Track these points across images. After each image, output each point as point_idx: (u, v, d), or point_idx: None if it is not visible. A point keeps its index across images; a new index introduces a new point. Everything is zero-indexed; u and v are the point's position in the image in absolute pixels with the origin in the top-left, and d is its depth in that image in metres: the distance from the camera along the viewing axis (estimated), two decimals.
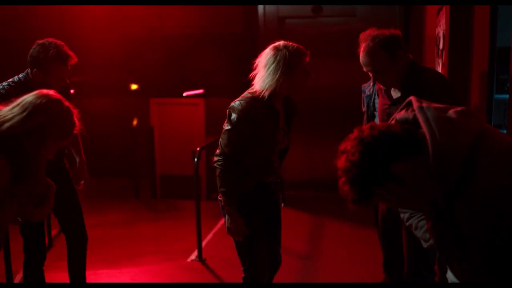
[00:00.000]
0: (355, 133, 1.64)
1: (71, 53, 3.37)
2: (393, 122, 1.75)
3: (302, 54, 2.93)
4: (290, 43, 2.95)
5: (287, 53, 2.88)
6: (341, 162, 1.64)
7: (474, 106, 3.52)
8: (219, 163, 2.98)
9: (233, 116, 2.93)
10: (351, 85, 7.10)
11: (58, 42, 3.37)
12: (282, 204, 3.40)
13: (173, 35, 8.30)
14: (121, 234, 6.02)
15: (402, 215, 2.00)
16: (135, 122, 8.62)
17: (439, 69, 4.10)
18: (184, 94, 8.32)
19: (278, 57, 2.88)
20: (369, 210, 4.33)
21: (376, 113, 3.92)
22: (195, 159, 4.99)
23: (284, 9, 7.34)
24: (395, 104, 3.03)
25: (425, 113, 1.62)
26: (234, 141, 2.95)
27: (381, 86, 3.15)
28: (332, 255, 5.02)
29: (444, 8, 3.93)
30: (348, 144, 1.63)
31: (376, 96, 3.92)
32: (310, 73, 3.00)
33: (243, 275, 3.16)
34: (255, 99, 2.94)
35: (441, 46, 4.08)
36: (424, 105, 1.67)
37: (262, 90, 2.92)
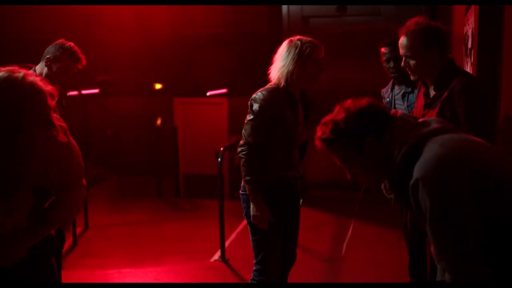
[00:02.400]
0: (371, 99, 1.89)
1: (82, 56, 3.61)
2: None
3: (314, 46, 3.06)
4: (305, 37, 3.09)
5: (299, 43, 3.03)
6: (343, 105, 1.88)
7: (505, 113, 3.42)
8: (243, 152, 3.05)
9: (255, 106, 3.03)
10: (377, 85, 7.00)
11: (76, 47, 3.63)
12: (301, 201, 3.40)
13: (196, 35, 8.31)
14: (145, 233, 6.05)
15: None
16: (159, 122, 8.64)
17: (468, 69, 4.02)
18: (208, 94, 8.32)
19: (290, 47, 3.04)
20: (396, 211, 4.26)
21: None
22: (219, 159, 4.98)
23: (308, 8, 7.28)
24: (429, 105, 2.94)
25: (396, 113, 1.87)
26: (257, 131, 3.03)
27: (421, 86, 3.06)
28: (356, 257, 4.96)
29: (472, 6, 3.85)
30: (360, 101, 1.87)
31: (401, 101, 3.86)
32: (324, 68, 3.11)
33: (254, 268, 3.18)
34: (275, 89, 3.06)
35: (469, 45, 4.00)
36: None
37: (279, 80, 3.06)
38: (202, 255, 5.15)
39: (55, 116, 1.94)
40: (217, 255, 5.00)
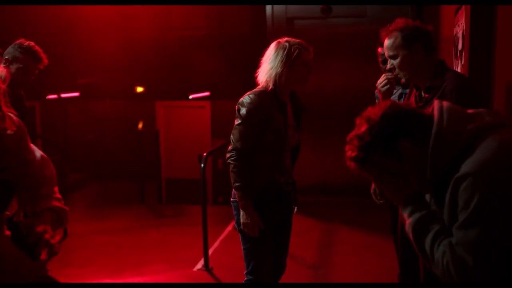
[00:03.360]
0: (390, 101, 1.74)
1: (43, 55, 3.45)
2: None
3: (302, 48, 2.97)
4: (293, 38, 3.01)
5: (287, 45, 2.95)
6: (361, 119, 1.70)
7: (497, 110, 3.33)
8: (232, 158, 2.97)
9: (243, 110, 2.96)
10: (363, 87, 6.91)
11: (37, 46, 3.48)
12: (295, 208, 3.28)
13: (179, 36, 8.16)
14: (126, 241, 5.86)
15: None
16: (140, 125, 8.48)
17: (458, 70, 3.92)
18: (190, 97, 8.19)
19: (278, 49, 2.96)
20: (386, 217, 4.14)
21: None
22: (202, 165, 4.82)
23: (293, 9, 7.16)
24: (421, 108, 2.84)
25: (441, 103, 1.68)
26: (245, 135, 2.95)
27: (414, 90, 2.95)
28: (343, 264, 4.83)
29: (463, 6, 3.75)
30: (378, 107, 1.69)
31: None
32: (312, 70, 3.02)
33: (245, 278, 3.09)
34: (262, 92, 2.98)
35: (460, 47, 3.89)
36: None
37: (267, 83, 2.98)
38: (184, 263, 4.98)
39: (4, 102, 1.85)
40: (200, 264, 4.83)
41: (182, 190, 7.98)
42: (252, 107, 2.93)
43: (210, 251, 5.01)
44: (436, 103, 1.69)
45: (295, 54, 2.93)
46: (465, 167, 1.52)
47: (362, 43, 6.97)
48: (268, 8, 7.21)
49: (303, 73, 2.99)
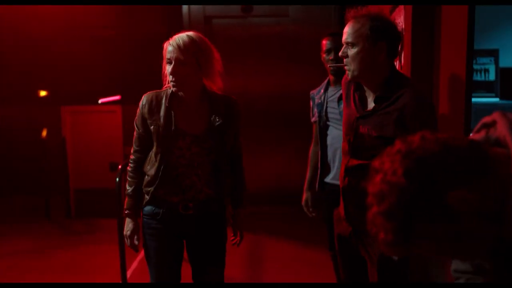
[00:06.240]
0: (398, 145, 1.15)
1: None
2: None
3: (169, 42, 2.64)
4: (183, 32, 2.68)
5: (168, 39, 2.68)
6: (374, 185, 1.15)
7: (442, 113, 3.13)
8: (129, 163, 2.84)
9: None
10: (287, 90, 6.66)
11: None
12: (234, 241, 3.14)
13: (88, 36, 7.54)
14: (30, 265, 5.18)
15: (456, 280, 1.51)
16: (44, 133, 7.76)
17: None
18: (100, 101, 7.63)
19: None
20: (316, 227, 3.83)
21: (331, 124, 3.43)
22: (117, 179, 4.30)
23: (211, 8, 6.75)
24: (364, 118, 2.47)
25: (510, 119, 1.21)
26: (135, 141, 2.79)
27: (355, 92, 2.57)
28: (276, 281, 4.49)
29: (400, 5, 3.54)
30: (386, 159, 1.14)
31: (335, 104, 3.43)
32: (172, 64, 2.61)
33: None
34: (158, 93, 2.73)
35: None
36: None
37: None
38: None
39: None
40: None
41: (93, 201, 7.39)
42: (139, 110, 2.72)
43: (129, 274, 4.51)
44: (500, 120, 1.23)
45: (164, 49, 2.65)
46: None
47: (285, 44, 6.72)
48: (185, 6, 6.77)
49: (168, 72, 2.64)
